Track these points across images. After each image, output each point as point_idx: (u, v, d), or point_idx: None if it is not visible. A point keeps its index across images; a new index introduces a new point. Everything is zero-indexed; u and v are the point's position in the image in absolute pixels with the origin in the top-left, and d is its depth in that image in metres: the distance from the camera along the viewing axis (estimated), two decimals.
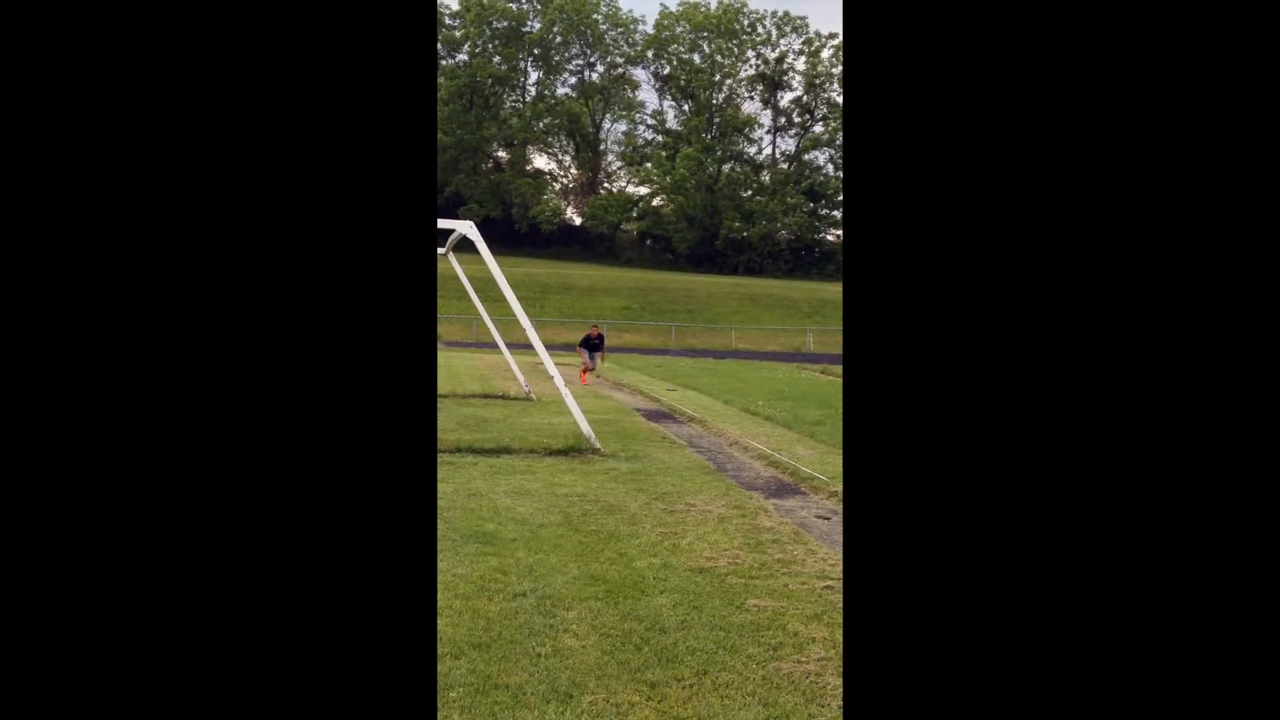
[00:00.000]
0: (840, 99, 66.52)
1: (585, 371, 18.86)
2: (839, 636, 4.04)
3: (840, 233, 66.67)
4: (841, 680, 3.53)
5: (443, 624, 3.99)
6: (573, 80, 70.58)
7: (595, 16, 67.68)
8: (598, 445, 9.11)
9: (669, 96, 69.64)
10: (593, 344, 19.22)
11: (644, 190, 67.51)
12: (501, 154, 69.29)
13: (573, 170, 72.78)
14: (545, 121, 68.51)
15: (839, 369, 23.75)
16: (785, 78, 68.37)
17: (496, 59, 66.75)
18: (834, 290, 49.96)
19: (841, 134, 65.69)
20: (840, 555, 5.52)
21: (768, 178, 67.35)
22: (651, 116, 70.55)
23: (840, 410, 13.09)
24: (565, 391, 9.75)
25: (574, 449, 8.95)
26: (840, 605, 4.48)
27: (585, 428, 9.33)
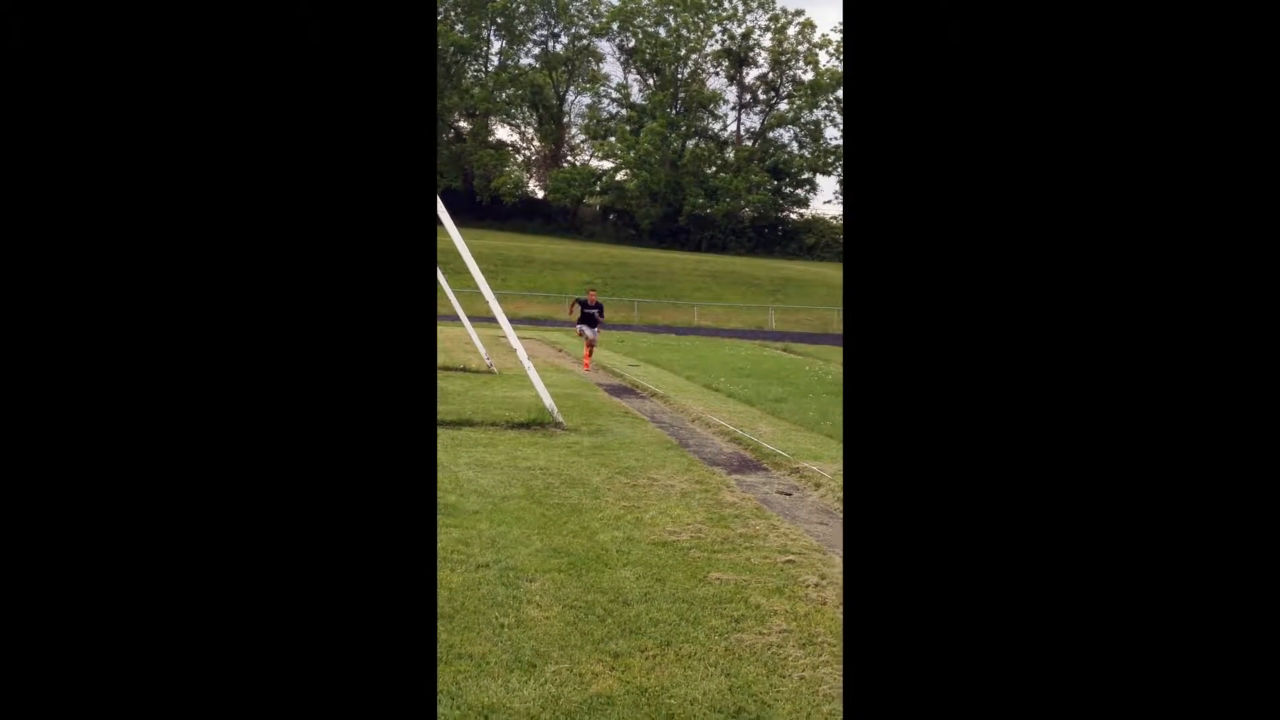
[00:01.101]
0: (805, 76, 66.60)
1: (589, 353, 16.01)
2: (800, 609, 4.09)
3: (803, 211, 66.97)
4: (798, 651, 3.58)
5: None
6: (536, 51, 69.88)
7: None
8: (560, 419, 9.10)
9: (634, 70, 69.24)
10: (589, 314, 15.79)
11: (608, 164, 67.17)
12: (463, 124, 68.46)
13: (535, 142, 72.21)
14: (508, 92, 67.75)
15: (800, 347, 23.91)
16: (751, 54, 68.22)
17: (459, 27, 65.81)
18: (796, 269, 50.18)
19: (806, 112, 65.82)
20: (801, 530, 5.58)
21: (732, 154, 67.29)
22: (616, 90, 70.09)
23: (802, 388, 13.21)
24: (528, 365, 9.71)
25: (536, 422, 8.94)
26: (801, 579, 4.53)
27: (548, 401, 9.32)
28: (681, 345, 23.44)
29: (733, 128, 70.51)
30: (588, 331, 15.90)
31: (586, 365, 15.82)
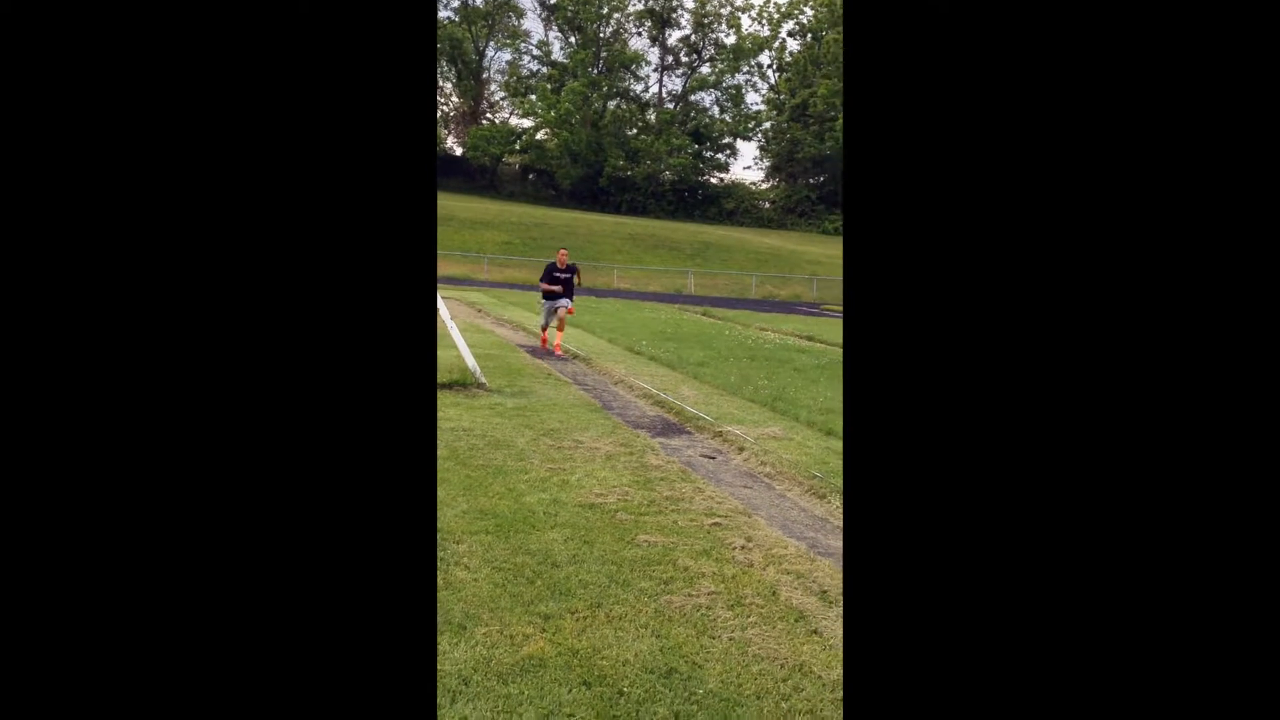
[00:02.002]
0: (728, 40, 66.55)
1: (558, 328, 12.54)
2: (728, 571, 4.14)
3: (723, 176, 67.16)
4: (727, 613, 3.63)
5: None
6: (455, 3, 68.19)
7: None
8: (482, 380, 9.01)
9: (555, 27, 68.16)
10: (562, 280, 12.37)
11: (528, 123, 66.21)
12: None
13: (454, 98, 70.67)
14: None
15: (720, 311, 24.09)
16: (674, 15, 67.77)
17: None
18: (716, 233, 50.39)
19: (728, 76, 65.82)
20: (726, 493, 5.64)
21: (653, 117, 66.98)
22: (537, 47, 69.00)
23: (722, 353, 13.32)
24: (451, 325, 9.58)
25: (458, 383, 8.83)
26: (728, 542, 4.59)
27: (470, 362, 9.21)
28: (601, 307, 23.39)
29: (654, 89, 70.27)
30: (561, 305, 12.32)
31: (557, 348, 12.44)
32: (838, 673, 3.17)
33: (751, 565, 4.25)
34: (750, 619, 3.61)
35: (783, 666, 3.21)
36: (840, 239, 57.62)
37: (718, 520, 4.94)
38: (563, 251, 12.86)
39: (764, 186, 69.11)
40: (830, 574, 4.19)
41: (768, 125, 67.60)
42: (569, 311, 12.52)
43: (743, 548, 4.49)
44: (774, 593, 3.91)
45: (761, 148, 68.87)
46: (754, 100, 71.70)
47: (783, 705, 2.93)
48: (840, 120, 59.02)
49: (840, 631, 3.53)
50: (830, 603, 3.83)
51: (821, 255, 46.75)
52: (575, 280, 12.54)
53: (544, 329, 12.99)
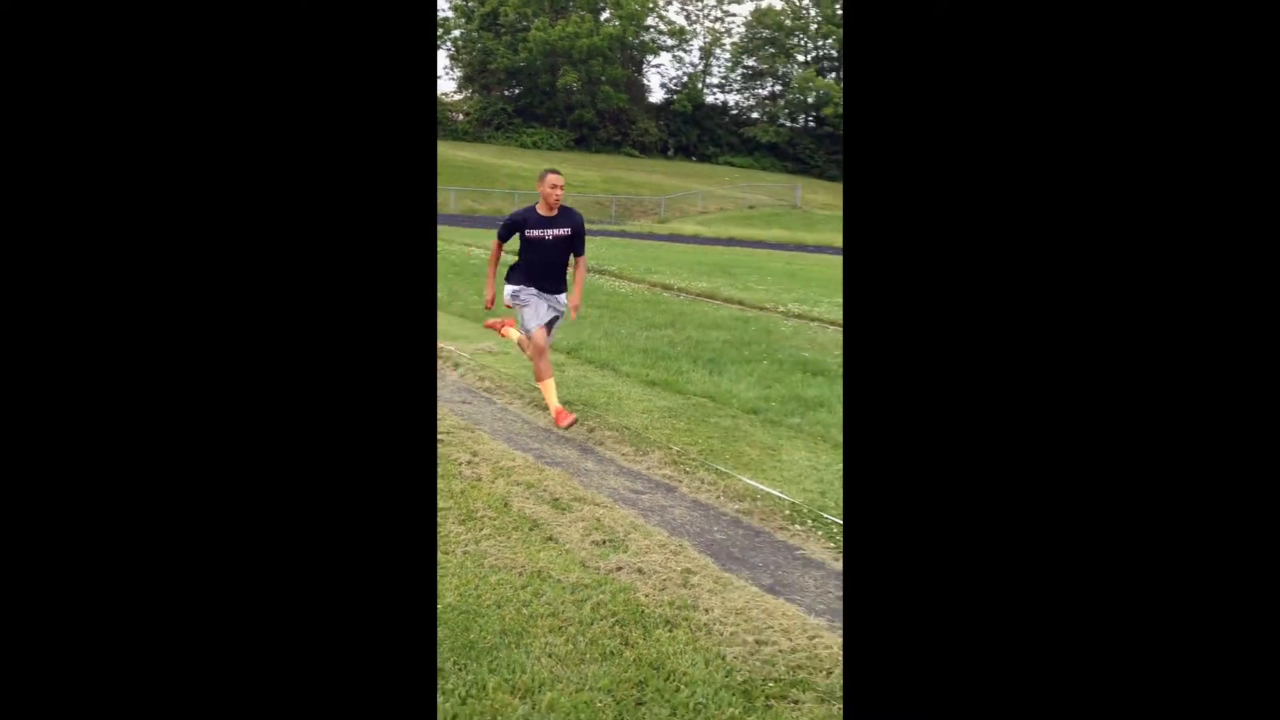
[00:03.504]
0: None
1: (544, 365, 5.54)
2: (456, 487, 4.10)
3: None
4: (459, 527, 3.60)
5: None
6: None
7: None
8: None
9: None
10: (537, 247, 5.49)
11: None
12: None
13: None
14: None
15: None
16: None
17: None
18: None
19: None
20: (446, 410, 5.56)
21: None
22: None
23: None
24: None
25: None
26: (453, 458, 4.54)
27: None
28: None
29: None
30: (556, 305, 5.70)
31: (558, 415, 5.32)
32: (576, 575, 3.25)
33: (480, 479, 4.23)
34: (484, 531, 3.60)
35: (521, 574, 3.23)
36: (540, 153, 57.34)
37: (441, 437, 4.86)
38: (553, 176, 5.52)
39: (457, 98, 67.31)
40: (560, 482, 4.26)
41: (457, 34, 65.56)
42: (560, 306, 5.75)
43: (469, 462, 4.46)
44: (505, 504, 3.92)
45: (452, 57, 66.80)
46: (442, 7, 68.96)
47: (524, 611, 2.96)
48: (534, 31, 58.47)
49: (576, 536, 3.61)
50: (562, 509, 3.90)
51: (520, 169, 46.54)
52: (572, 260, 5.68)
53: (538, 365, 5.53)
